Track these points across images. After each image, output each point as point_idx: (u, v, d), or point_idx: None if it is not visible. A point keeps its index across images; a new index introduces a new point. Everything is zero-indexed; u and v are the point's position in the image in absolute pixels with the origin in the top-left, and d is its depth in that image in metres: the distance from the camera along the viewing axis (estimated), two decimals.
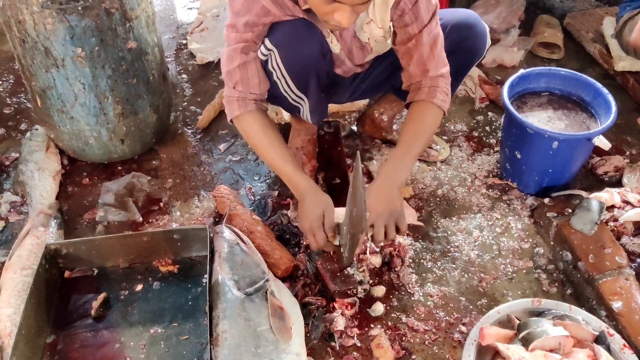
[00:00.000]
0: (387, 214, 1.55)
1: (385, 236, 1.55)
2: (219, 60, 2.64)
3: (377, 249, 1.73)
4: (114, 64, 1.88)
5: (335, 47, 1.68)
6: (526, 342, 1.41)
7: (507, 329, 1.48)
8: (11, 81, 2.61)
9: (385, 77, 1.90)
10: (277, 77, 1.64)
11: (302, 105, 1.74)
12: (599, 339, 1.44)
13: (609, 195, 1.85)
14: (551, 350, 1.39)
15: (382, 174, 1.60)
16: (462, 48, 1.74)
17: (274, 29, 1.57)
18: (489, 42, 1.80)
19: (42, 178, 2.01)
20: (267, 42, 1.58)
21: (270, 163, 1.70)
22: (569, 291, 1.72)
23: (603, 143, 1.80)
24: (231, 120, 1.70)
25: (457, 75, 1.77)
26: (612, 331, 1.46)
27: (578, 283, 1.69)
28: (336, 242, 1.61)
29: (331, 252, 1.68)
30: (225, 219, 1.81)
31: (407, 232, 1.87)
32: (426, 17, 1.56)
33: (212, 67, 2.68)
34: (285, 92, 1.68)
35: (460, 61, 1.76)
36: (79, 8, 1.72)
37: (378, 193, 1.56)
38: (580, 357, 1.39)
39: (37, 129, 2.19)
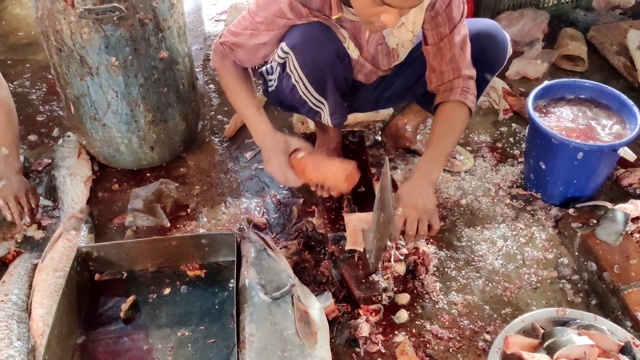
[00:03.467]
0: (421, 210, 1.58)
1: (417, 232, 1.58)
2: None
3: (401, 257, 1.75)
4: (146, 72, 1.93)
5: (353, 52, 1.71)
6: (551, 351, 1.41)
7: (532, 338, 1.48)
8: (44, 90, 2.68)
9: (409, 85, 1.92)
10: (295, 80, 1.68)
11: (322, 109, 1.77)
12: (625, 350, 1.43)
13: (634, 207, 1.84)
14: None
15: (417, 171, 1.64)
16: (484, 57, 1.76)
17: (290, 32, 1.62)
18: (509, 51, 1.81)
19: (73, 183, 2.06)
20: (283, 45, 1.62)
21: (237, 108, 1.80)
22: (593, 301, 1.71)
23: (628, 154, 1.80)
24: (212, 64, 1.79)
25: (479, 85, 1.79)
26: (638, 342, 1.46)
27: (603, 293, 1.69)
28: (359, 248, 1.64)
29: (356, 258, 1.70)
30: (252, 225, 1.85)
31: (432, 239, 1.89)
32: (457, 17, 1.61)
33: None
34: (305, 95, 1.72)
35: (482, 70, 1.77)
36: (115, 18, 1.78)
37: (413, 188, 1.60)
38: None
39: (69, 136, 2.25)
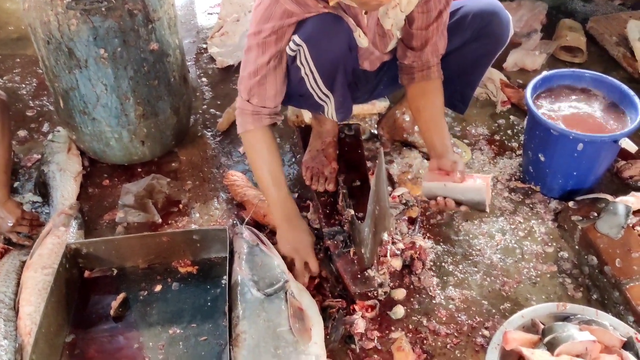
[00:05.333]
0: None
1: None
2: (239, 63, 2.65)
3: (397, 251, 1.71)
4: (135, 65, 1.89)
5: (363, 40, 1.67)
6: (551, 347, 1.38)
7: (532, 334, 1.45)
8: (34, 84, 2.64)
9: None
10: (305, 73, 1.63)
11: (327, 103, 1.74)
12: (627, 345, 1.40)
13: (636, 200, 1.81)
14: (578, 356, 1.36)
15: (435, 149, 1.71)
16: (486, 34, 1.74)
17: (302, 24, 1.57)
18: (512, 30, 1.78)
19: (63, 179, 2.02)
20: (296, 37, 1.57)
21: (261, 181, 1.74)
22: (594, 296, 1.68)
23: (629, 145, 1.76)
24: (240, 134, 1.73)
25: (481, 64, 1.80)
26: None
27: (604, 288, 1.66)
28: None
29: (351, 253, 1.66)
30: (245, 221, 1.81)
31: (429, 234, 1.86)
32: (446, 3, 1.61)
33: (232, 71, 2.69)
34: (312, 88, 1.68)
35: (484, 48, 1.76)
36: (103, 9, 1.73)
37: (447, 148, 1.70)
38: None
39: (59, 131, 2.21)
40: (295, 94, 1.71)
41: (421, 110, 1.76)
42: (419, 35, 1.67)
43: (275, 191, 1.70)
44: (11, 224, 1.83)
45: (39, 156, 2.18)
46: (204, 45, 2.90)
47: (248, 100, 1.65)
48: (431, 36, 1.67)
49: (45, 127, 2.37)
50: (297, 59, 1.60)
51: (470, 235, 1.87)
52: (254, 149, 1.72)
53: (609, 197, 1.84)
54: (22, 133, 2.34)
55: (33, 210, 1.98)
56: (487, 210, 1.62)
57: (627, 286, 1.58)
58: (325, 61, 1.60)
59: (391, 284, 1.68)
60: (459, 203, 1.62)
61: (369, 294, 1.62)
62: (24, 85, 2.63)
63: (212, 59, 2.79)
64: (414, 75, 1.75)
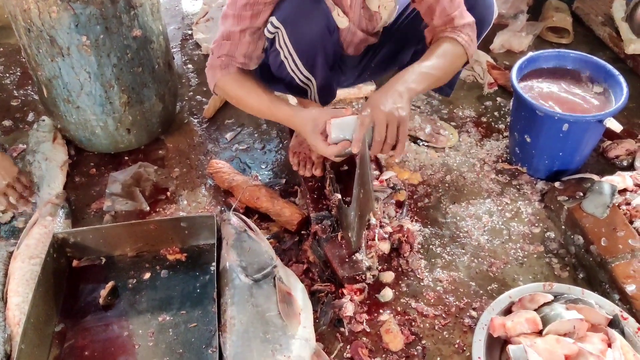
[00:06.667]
0: (389, 112, 1.41)
1: (384, 140, 1.45)
2: None
3: (385, 235, 1.72)
4: (119, 52, 1.87)
5: (342, 20, 1.65)
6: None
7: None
8: (18, 74, 2.61)
9: (394, 52, 1.87)
10: (284, 56, 1.62)
11: (310, 86, 1.73)
12: (613, 323, 1.42)
13: (621, 179, 1.82)
14: (565, 335, 1.37)
15: (392, 78, 1.51)
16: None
17: (279, 6, 1.55)
18: (496, 11, 1.76)
19: (49, 168, 2.01)
20: (273, 20, 1.56)
21: (258, 111, 1.68)
22: (581, 275, 1.69)
23: (614, 125, 1.76)
24: (214, 89, 1.69)
25: None
26: (626, 315, 1.44)
27: (590, 267, 1.67)
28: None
29: (339, 237, 1.66)
30: (233, 208, 1.81)
31: (416, 217, 1.86)
32: None
33: None
34: (293, 72, 1.66)
35: None
36: None
37: (386, 91, 1.46)
38: (595, 342, 1.36)
39: (44, 120, 2.19)
40: (278, 79, 1.70)
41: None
42: (423, 8, 1.62)
43: (272, 106, 1.62)
44: (5, 183, 1.82)
45: (25, 146, 2.16)
46: (189, 32, 2.88)
47: (218, 57, 1.63)
48: (435, 5, 1.57)
49: (31, 117, 2.35)
50: (275, 41, 1.59)
51: (458, 218, 1.87)
52: (232, 91, 1.66)
53: (594, 177, 1.85)
54: (7, 123, 2.32)
55: (19, 200, 1.96)
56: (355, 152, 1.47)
57: (613, 265, 1.59)
58: (304, 43, 1.58)
59: (379, 267, 1.69)
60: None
61: (357, 278, 1.62)
62: (7, 75, 2.60)
63: (197, 45, 2.77)
64: (430, 39, 1.66)
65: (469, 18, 1.62)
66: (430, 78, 1.54)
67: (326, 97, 1.79)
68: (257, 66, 1.69)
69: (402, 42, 1.82)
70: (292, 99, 2.15)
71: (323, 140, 1.51)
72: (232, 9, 1.56)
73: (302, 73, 1.67)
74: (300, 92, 1.77)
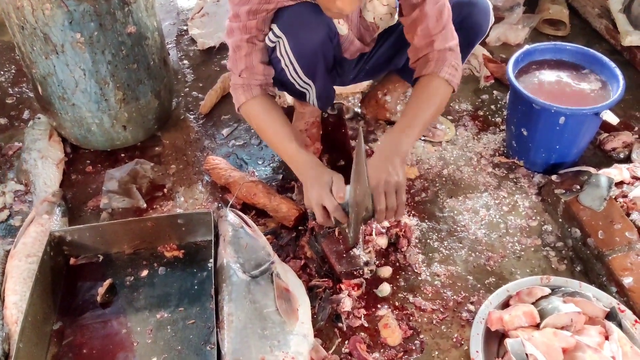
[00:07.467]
0: (388, 181, 1.45)
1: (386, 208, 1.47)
2: (221, 45, 2.64)
3: (382, 230, 1.72)
4: (113, 49, 1.86)
5: (342, 27, 1.65)
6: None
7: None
8: (13, 71, 2.60)
9: (389, 56, 1.87)
10: (285, 64, 1.62)
11: (309, 91, 1.73)
12: (610, 316, 1.42)
13: (618, 172, 1.82)
14: (563, 328, 1.38)
15: (383, 143, 1.54)
16: (465, 26, 1.71)
17: (281, 15, 1.55)
18: (492, 19, 1.77)
19: (45, 166, 2.01)
20: (275, 28, 1.56)
21: (272, 144, 1.68)
22: (578, 268, 1.70)
23: (611, 117, 1.76)
24: (238, 109, 1.70)
25: (461, 54, 1.73)
26: (623, 307, 1.45)
27: (587, 260, 1.67)
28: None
29: (336, 233, 1.66)
30: (230, 204, 1.81)
31: (414, 211, 1.86)
32: None
33: (213, 53, 2.66)
34: (293, 78, 1.67)
35: (464, 39, 1.71)
36: None
37: (379, 164, 1.48)
38: (592, 334, 1.37)
39: (39, 118, 2.18)
40: (278, 81, 1.70)
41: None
42: (407, 24, 1.60)
43: (286, 146, 1.60)
44: None
45: (20, 144, 2.15)
46: (185, 27, 2.86)
47: (239, 75, 1.63)
48: (419, 24, 1.56)
49: (26, 115, 2.34)
50: (276, 50, 1.59)
51: (455, 212, 1.87)
52: (253, 119, 1.68)
53: (591, 170, 1.85)
54: (2, 121, 2.32)
55: (15, 198, 1.96)
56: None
57: (610, 257, 1.59)
58: (306, 53, 1.59)
59: (377, 262, 1.69)
60: None
61: (355, 273, 1.62)
62: (2, 72, 2.59)
63: (193, 41, 2.76)
64: (415, 71, 1.65)
65: (452, 41, 1.59)
66: (419, 130, 1.56)
67: (324, 101, 1.79)
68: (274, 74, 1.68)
69: (397, 46, 1.81)
70: (289, 98, 2.16)
71: (330, 195, 1.48)
72: (235, 22, 1.56)
73: (302, 79, 1.67)
74: (300, 95, 1.77)
